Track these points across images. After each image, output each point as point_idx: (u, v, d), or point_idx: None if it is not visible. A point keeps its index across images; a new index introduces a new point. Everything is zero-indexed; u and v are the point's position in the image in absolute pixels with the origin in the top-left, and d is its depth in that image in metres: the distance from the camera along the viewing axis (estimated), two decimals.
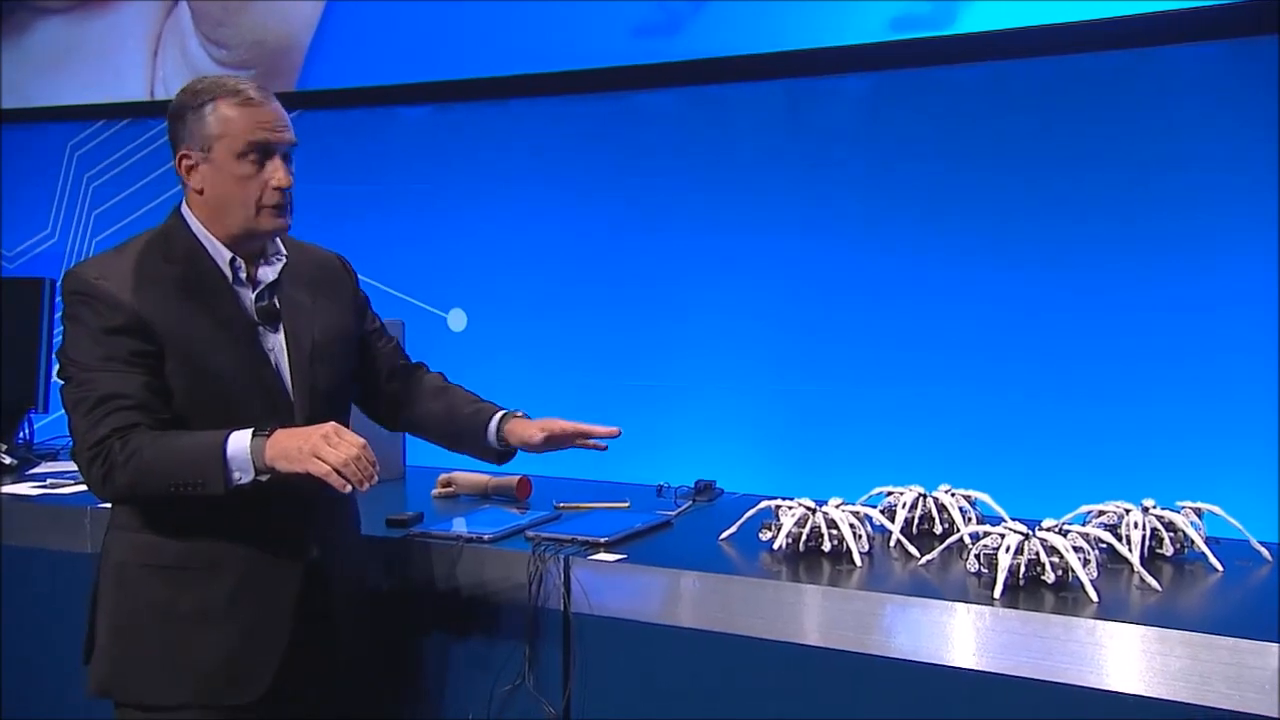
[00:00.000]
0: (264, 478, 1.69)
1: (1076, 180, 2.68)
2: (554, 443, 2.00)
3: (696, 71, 3.03)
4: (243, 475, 1.68)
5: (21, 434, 3.10)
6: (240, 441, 1.69)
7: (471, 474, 2.56)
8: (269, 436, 1.69)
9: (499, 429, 2.00)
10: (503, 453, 2.02)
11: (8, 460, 2.89)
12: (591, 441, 2.00)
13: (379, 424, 2.13)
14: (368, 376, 2.05)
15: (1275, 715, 1.54)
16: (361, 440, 1.69)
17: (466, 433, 2.03)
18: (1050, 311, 2.71)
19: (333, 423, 1.73)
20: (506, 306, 3.33)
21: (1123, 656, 1.64)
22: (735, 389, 3.03)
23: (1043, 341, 2.71)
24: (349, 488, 1.67)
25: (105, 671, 1.83)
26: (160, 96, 3.94)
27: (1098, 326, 2.66)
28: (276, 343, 1.86)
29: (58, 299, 1.88)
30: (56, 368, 1.82)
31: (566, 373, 3.24)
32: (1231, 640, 1.58)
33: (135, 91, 3.99)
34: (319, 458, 1.65)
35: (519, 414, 2.03)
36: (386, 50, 3.44)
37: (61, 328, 1.80)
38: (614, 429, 1.99)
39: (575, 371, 3.22)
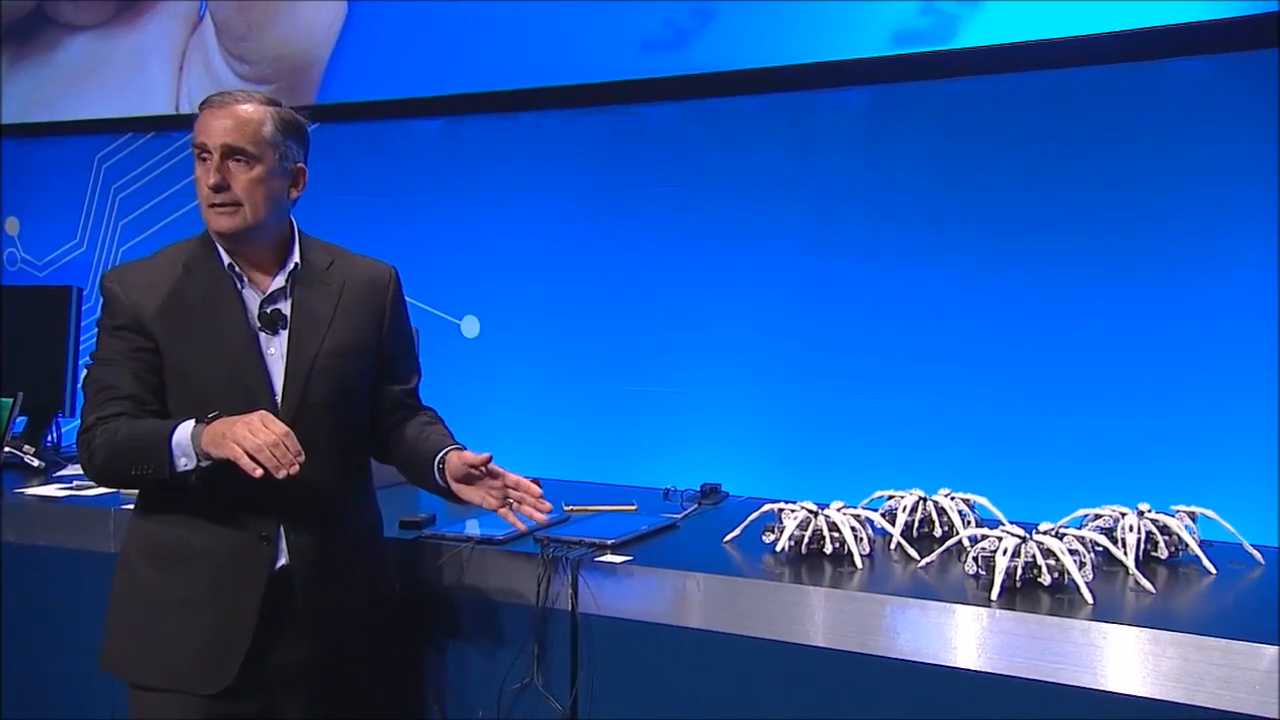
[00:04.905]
0: (205, 464, 1.72)
1: (1072, 192, 2.68)
2: (470, 479, 1.91)
3: (702, 85, 3.03)
4: (187, 461, 1.73)
5: (49, 437, 3.12)
6: (185, 429, 1.74)
7: None
8: (209, 424, 1.72)
9: (441, 462, 1.92)
10: (447, 489, 1.93)
11: (35, 463, 2.91)
12: (515, 494, 1.91)
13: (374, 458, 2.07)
14: (371, 407, 2.01)
15: (1266, 715, 1.53)
16: (284, 429, 1.70)
17: (422, 467, 1.95)
18: (1049, 321, 2.70)
19: (261, 411, 1.73)
20: (518, 313, 3.34)
21: (1116, 657, 1.64)
22: (741, 395, 3.03)
23: (1041, 350, 2.71)
24: (259, 472, 1.66)
25: (106, 648, 1.90)
26: (185, 110, 3.96)
27: (1096, 335, 2.65)
28: (278, 349, 1.86)
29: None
30: None
31: (576, 379, 3.24)
32: (1223, 641, 1.58)
33: (161, 105, 4.01)
34: (236, 443, 1.67)
35: (458, 447, 1.94)
36: (402, 65, 3.46)
37: None
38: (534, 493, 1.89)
39: (585, 378, 3.23)
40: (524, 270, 3.33)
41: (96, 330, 1.88)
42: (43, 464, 2.91)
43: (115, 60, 4.11)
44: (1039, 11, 2.63)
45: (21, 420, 3.05)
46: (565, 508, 2.41)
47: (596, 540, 2.08)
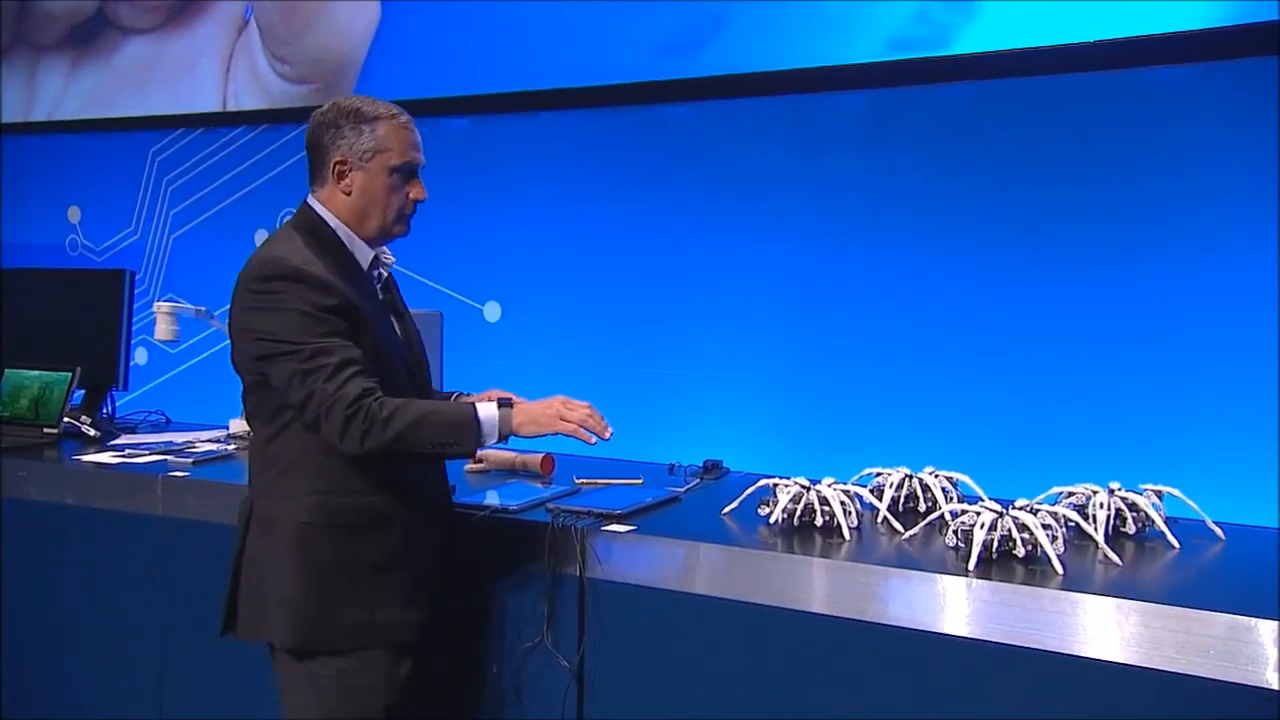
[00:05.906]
0: (503, 443, 1.85)
1: (1054, 190, 2.69)
2: None
3: (713, 87, 3.06)
4: (488, 439, 1.83)
5: (104, 409, 3.17)
6: (489, 411, 1.83)
7: (501, 451, 2.60)
8: (512, 408, 1.85)
9: None
10: None
11: (92, 432, 2.96)
12: None
13: None
14: None
15: (1218, 678, 1.55)
16: (588, 403, 1.89)
17: None
18: (1030, 311, 2.72)
19: (561, 395, 1.88)
20: (537, 300, 3.38)
21: (1083, 624, 1.66)
22: (743, 377, 3.06)
23: (1023, 338, 2.72)
24: (594, 440, 1.87)
25: (297, 630, 1.85)
26: (231, 108, 4.02)
27: (1073, 326, 2.67)
28: (400, 328, 1.98)
29: (256, 285, 1.77)
30: (260, 350, 1.77)
31: (590, 360, 3.28)
32: (1181, 610, 1.59)
33: (209, 103, 4.07)
34: (565, 419, 1.84)
35: None
36: (432, 66, 3.49)
37: (255, 312, 1.78)
38: None
39: (597, 359, 3.27)
40: (542, 259, 3.37)
41: (276, 313, 1.75)
42: (98, 434, 2.96)
43: (168, 62, 4.17)
44: (1028, 21, 2.63)
45: (79, 393, 3.11)
46: (576, 480, 2.44)
47: (604, 511, 2.11)
